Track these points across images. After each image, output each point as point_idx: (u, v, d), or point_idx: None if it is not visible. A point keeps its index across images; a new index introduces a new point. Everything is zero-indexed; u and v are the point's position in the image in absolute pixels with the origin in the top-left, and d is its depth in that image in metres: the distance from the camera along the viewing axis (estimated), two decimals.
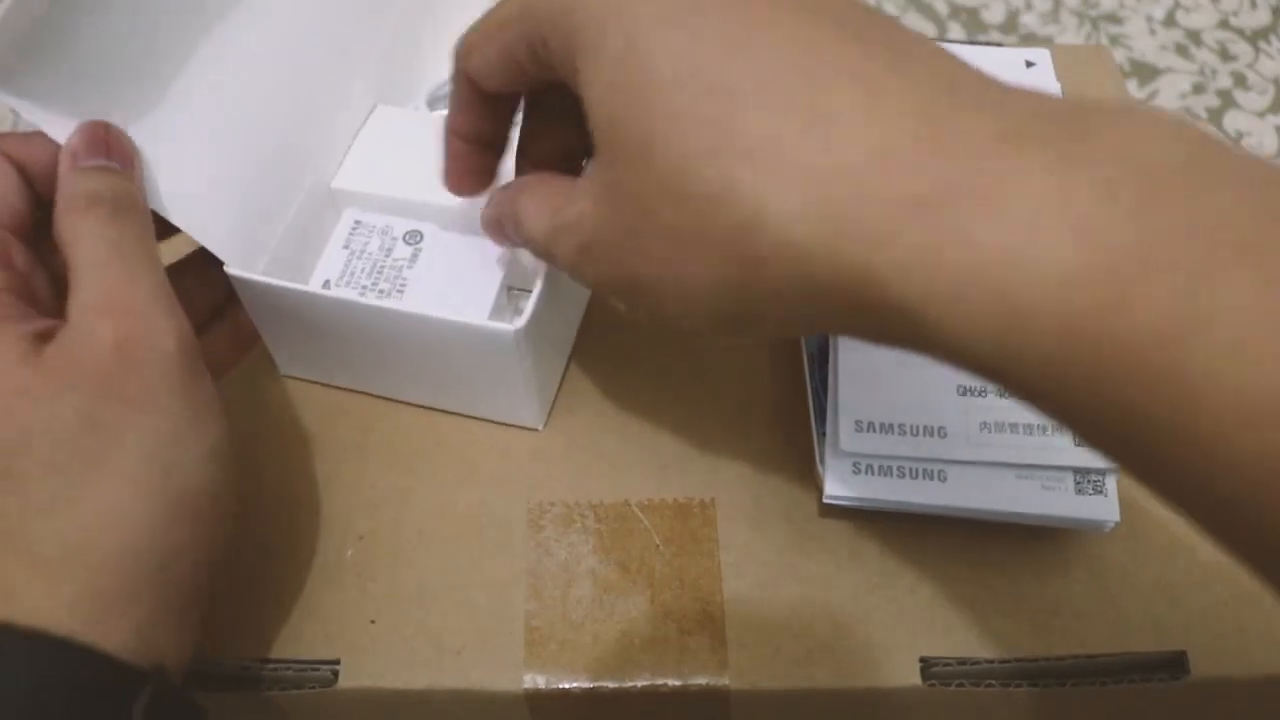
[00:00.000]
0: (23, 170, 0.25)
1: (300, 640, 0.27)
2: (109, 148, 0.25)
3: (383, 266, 0.31)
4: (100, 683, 0.20)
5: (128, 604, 0.21)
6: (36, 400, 0.21)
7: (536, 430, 0.31)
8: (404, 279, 0.30)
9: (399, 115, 0.34)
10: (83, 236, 0.23)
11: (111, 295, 0.22)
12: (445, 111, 0.26)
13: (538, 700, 0.26)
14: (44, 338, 0.22)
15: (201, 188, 0.27)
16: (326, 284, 0.30)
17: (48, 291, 0.25)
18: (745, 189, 0.17)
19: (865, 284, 0.16)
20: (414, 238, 0.31)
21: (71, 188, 0.24)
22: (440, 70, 0.36)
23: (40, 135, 0.25)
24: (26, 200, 0.25)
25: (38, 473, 0.20)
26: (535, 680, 0.26)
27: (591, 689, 0.26)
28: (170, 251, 0.27)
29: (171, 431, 0.22)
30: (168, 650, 0.22)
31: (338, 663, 0.26)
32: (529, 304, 0.26)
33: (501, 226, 0.26)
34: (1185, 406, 0.13)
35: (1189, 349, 0.13)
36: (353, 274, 0.31)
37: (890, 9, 0.62)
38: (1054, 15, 0.62)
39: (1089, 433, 0.15)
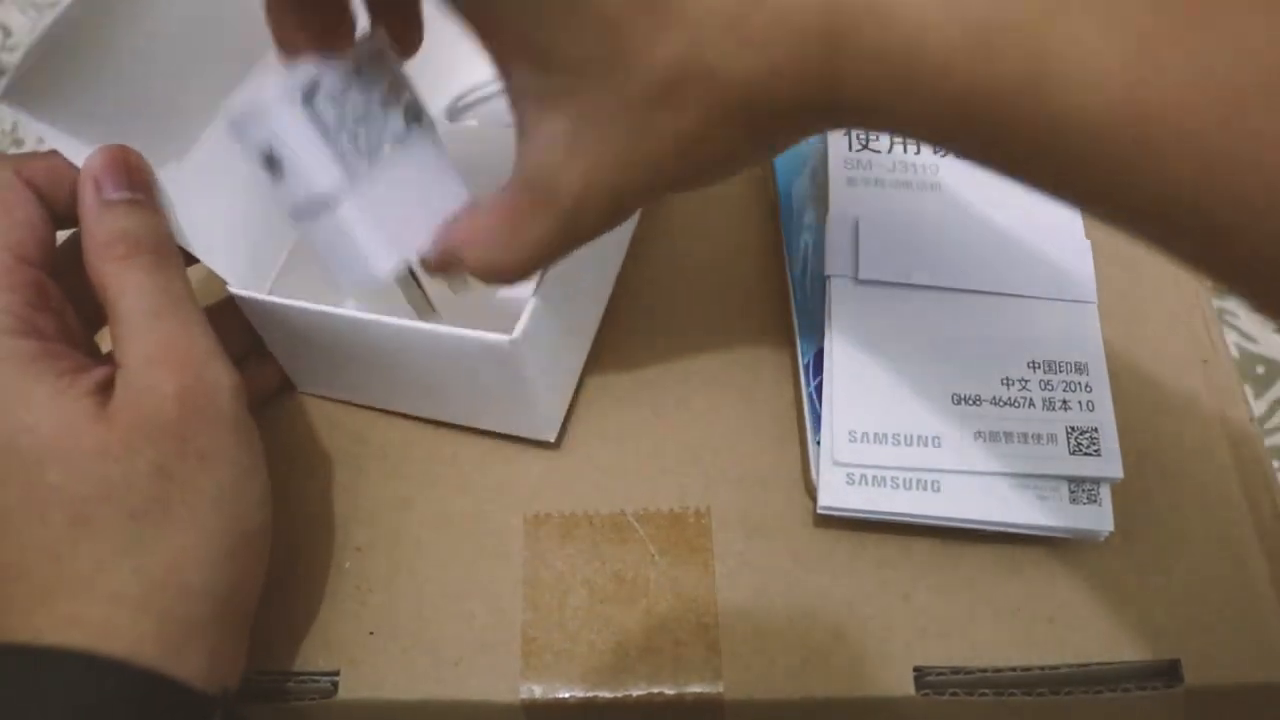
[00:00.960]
0: (42, 197, 0.25)
1: (299, 652, 0.27)
2: (129, 174, 0.25)
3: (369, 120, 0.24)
4: (181, 708, 0.21)
5: (199, 635, 0.22)
6: (113, 456, 0.22)
7: (548, 442, 0.30)
8: (382, 150, 0.24)
9: None
10: (129, 285, 0.24)
11: (169, 346, 0.23)
12: (466, 123, 0.25)
13: (535, 710, 0.26)
14: (104, 388, 0.23)
15: (205, 211, 0.27)
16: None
17: (78, 322, 0.25)
18: None
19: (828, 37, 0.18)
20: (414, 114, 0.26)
21: (105, 229, 0.24)
22: (460, 81, 0.35)
23: (56, 154, 0.25)
24: (51, 230, 0.25)
25: (117, 521, 0.22)
26: (532, 690, 0.26)
27: (587, 698, 0.26)
28: None
29: (232, 479, 0.23)
30: (228, 673, 0.23)
31: (337, 674, 0.27)
32: (524, 314, 0.26)
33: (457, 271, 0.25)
34: (1050, 129, 0.16)
35: (1044, 93, 0.16)
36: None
37: None
38: None
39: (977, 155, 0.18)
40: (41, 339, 0.23)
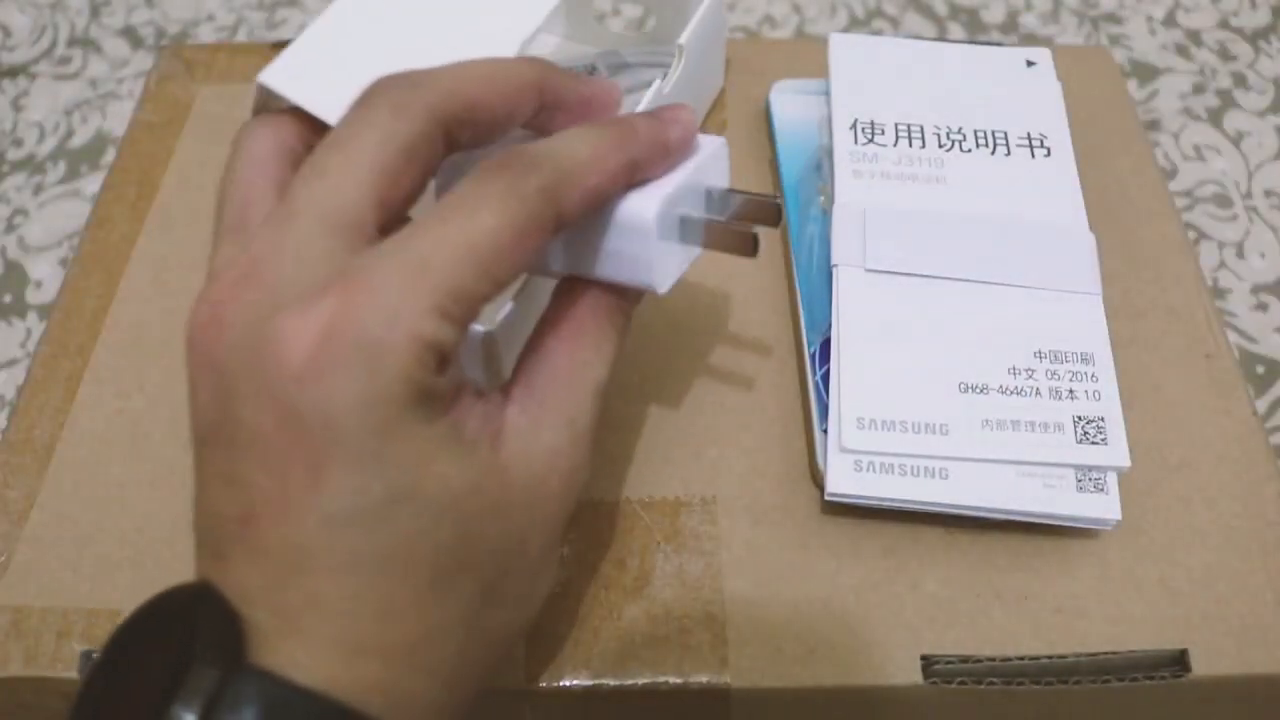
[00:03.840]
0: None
1: None
2: None
3: None
4: None
5: None
6: (502, 517, 0.19)
7: None
8: None
9: None
10: (607, 356, 0.22)
11: (587, 427, 0.21)
12: None
13: (538, 698, 0.26)
14: (490, 427, 0.20)
15: None
16: None
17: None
18: None
19: None
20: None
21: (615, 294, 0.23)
22: (530, 24, 0.35)
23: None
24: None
25: (470, 591, 0.19)
26: (536, 677, 0.26)
27: (592, 686, 0.26)
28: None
29: (548, 576, 0.22)
30: None
31: None
32: (505, 304, 0.26)
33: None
34: None
35: None
36: None
37: (890, 9, 0.62)
38: (1054, 15, 0.62)
39: None
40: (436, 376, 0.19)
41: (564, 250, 0.23)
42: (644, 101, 0.32)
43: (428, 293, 0.18)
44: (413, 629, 0.18)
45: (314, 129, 0.22)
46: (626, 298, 0.23)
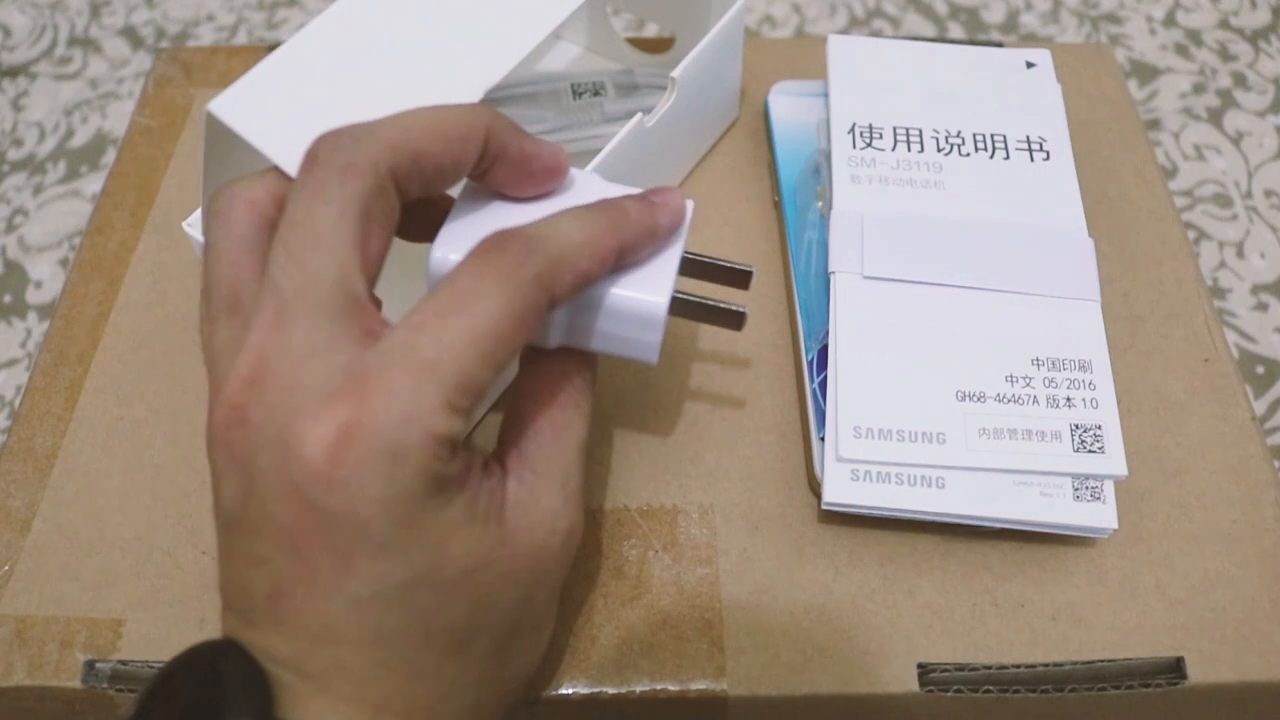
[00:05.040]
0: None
1: None
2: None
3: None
4: None
5: None
6: (511, 583, 0.21)
7: None
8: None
9: None
10: (583, 418, 0.23)
11: (575, 490, 0.23)
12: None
13: (537, 706, 0.26)
14: (497, 498, 0.21)
15: None
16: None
17: None
18: None
19: None
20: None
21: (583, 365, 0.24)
22: (499, 68, 0.35)
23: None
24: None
25: (484, 651, 0.21)
26: (535, 686, 0.26)
27: (590, 695, 0.26)
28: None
29: (547, 624, 0.24)
30: None
31: None
32: None
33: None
34: None
35: None
36: None
37: (890, 9, 0.62)
38: (1054, 15, 0.61)
39: None
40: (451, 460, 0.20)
41: (565, 329, 0.23)
42: (622, 133, 0.30)
43: (437, 390, 0.18)
44: (432, 690, 0.20)
45: (285, 192, 0.22)
46: (593, 354, 0.24)
